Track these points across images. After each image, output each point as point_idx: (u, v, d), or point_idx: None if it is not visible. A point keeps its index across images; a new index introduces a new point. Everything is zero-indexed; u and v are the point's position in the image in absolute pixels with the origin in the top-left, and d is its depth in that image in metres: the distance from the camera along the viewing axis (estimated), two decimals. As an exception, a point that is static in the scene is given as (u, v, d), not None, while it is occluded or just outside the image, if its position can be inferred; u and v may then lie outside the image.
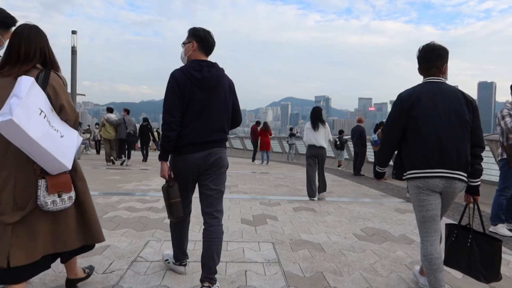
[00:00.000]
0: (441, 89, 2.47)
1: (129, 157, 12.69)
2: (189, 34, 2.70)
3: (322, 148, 6.92)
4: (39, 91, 2.05)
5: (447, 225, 2.74)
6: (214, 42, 2.69)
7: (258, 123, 16.67)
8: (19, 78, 2.01)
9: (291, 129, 19.05)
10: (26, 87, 1.96)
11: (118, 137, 12.50)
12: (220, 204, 2.72)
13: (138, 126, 14.04)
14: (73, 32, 14.06)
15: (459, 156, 2.38)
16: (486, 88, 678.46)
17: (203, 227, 2.67)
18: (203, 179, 2.65)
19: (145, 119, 16.24)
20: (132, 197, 6.23)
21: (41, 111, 2.01)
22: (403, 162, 2.55)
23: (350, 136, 16.14)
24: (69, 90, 2.41)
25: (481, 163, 2.52)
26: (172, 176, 2.60)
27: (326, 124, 7.18)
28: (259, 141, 15.67)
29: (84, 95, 18.77)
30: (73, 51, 14.05)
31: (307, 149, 7.14)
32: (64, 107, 2.19)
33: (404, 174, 2.55)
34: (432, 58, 2.52)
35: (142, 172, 10.48)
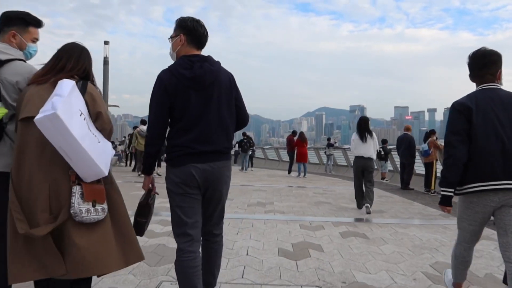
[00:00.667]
0: (499, 95, 2.35)
1: (159, 165, 12.57)
2: (175, 26, 2.36)
3: (370, 159, 6.79)
4: (79, 94, 2.01)
5: None
6: (206, 32, 2.37)
7: (294, 133, 15.84)
8: (60, 81, 1.98)
9: (328, 139, 18.02)
10: (68, 87, 1.93)
11: None
12: (222, 219, 2.52)
13: None
14: (106, 43, 13.84)
15: None
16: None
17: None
18: (205, 196, 2.34)
19: None
20: (154, 217, 5.50)
21: (81, 112, 1.96)
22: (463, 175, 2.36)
23: (395, 146, 14.96)
24: None
25: None
26: (153, 190, 2.40)
27: (374, 134, 6.96)
28: (295, 152, 14.77)
29: (118, 106, 18.60)
30: (105, 61, 13.81)
31: (355, 160, 7.04)
32: (101, 115, 2.09)
33: (459, 188, 2.40)
34: (486, 64, 2.42)
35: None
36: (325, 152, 17.92)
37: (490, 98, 2.34)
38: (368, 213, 6.31)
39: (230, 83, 2.35)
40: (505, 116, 2.29)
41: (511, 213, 2.29)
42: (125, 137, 22.25)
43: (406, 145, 10.75)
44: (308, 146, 15.44)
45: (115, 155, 18.90)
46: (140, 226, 2.34)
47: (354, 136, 7.01)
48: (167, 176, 2.26)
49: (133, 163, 16.55)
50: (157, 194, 2.44)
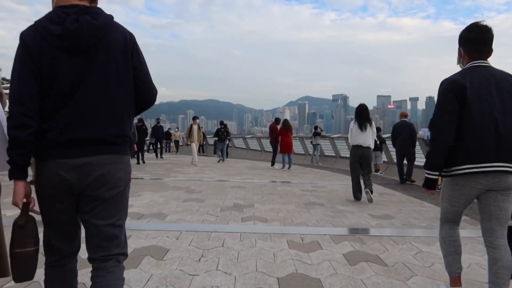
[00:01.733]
0: (491, 73, 2.26)
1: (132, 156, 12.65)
2: None
3: (368, 148, 6.59)
4: None
5: (509, 228, 2.37)
6: None
7: (277, 121, 14.32)
8: None
9: (315, 128, 16.64)
10: None
11: None
12: (117, 245, 1.72)
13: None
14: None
15: None
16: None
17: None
18: (81, 207, 1.68)
19: (140, 120, 14.61)
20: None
21: None
22: (452, 155, 2.25)
23: (389, 135, 13.70)
24: None
25: None
26: (32, 204, 1.66)
27: (373, 123, 6.72)
28: (279, 142, 13.33)
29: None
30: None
31: (352, 150, 6.79)
32: None
33: (446, 170, 2.30)
34: (490, 39, 2.29)
35: (134, 183, 8.29)
36: (311, 142, 16.54)
37: (484, 76, 2.23)
38: (370, 200, 6.21)
39: (126, 46, 1.71)
40: (499, 96, 2.20)
41: (498, 200, 2.25)
42: None
43: (407, 134, 9.44)
44: (293, 135, 14.02)
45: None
46: (21, 262, 1.64)
47: (352, 125, 6.72)
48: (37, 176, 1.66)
49: None
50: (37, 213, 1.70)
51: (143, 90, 1.78)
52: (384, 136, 12.80)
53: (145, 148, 18.56)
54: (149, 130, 25.13)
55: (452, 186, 2.32)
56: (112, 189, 1.68)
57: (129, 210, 5.31)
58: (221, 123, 16.95)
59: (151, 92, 1.83)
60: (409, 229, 4.63)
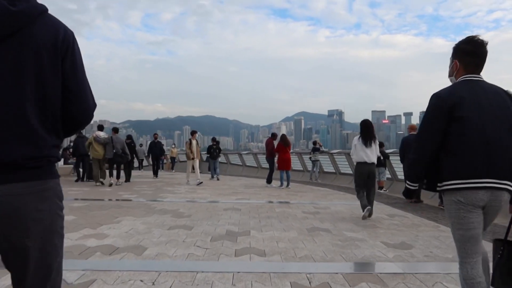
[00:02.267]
0: (483, 88, 2.20)
1: (118, 177, 12.39)
2: None
3: (373, 164, 6.54)
4: None
5: (494, 241, 2.38)
6: None
7: (274, 135, 13.51)
8: None
9: (314, 143, 15.94)
10: None
11: (106, 157, 12.03)
12: None
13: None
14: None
15: (508, 164, 2.12)
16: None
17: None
18: None
19: (128, 137, 14.04)
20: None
21: None
22: (442, 171, 2.17)
23: (392, 150, 13.03)
24: None
25: None
26: None
27: (377, 139, 6.70)
28: (275, 159, 12.58)
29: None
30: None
31: (357, 168, 6.64)
32: None
33: (440, 184, 2.21)
34: (485, 54, 2.25)
35: (116, 205, 7.49)
36: (310, 158, 15.83)
37: (476, 91, 2.17)
38: (365, 217, 6.28)
39: (56, 45, 1.34)
40: (491, 111, 2.12)
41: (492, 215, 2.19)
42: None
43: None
44: (291, 150, 13.29)
45: (69, 163, 16.31)
46: None
47: (356, 141, 6.60)
48: None
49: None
50: None
51: (71, 103, 1.41)
52: (387, 151, 12.10)
53: (136, 166, 17.74)
54: (143, 148, 24.33)
55: (454, 205, 2.16)
56: (35, 226, 1.30)
57: (102, 241, 4.52)
58: (213, 139, 16.28)
59: (81, 107, 1.44)
60: (434, 264, 3.88)
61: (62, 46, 1.37)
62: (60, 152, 12.98)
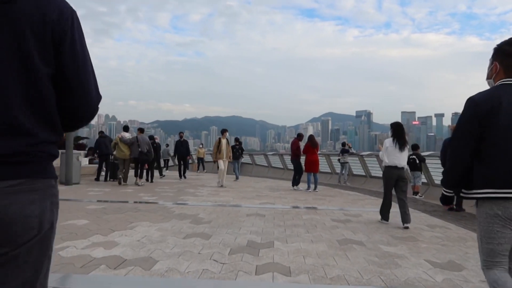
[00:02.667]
0: None
1: (141, 177, 12.24)
2: None
3: (403, 169, 6.33)
4: None
5: None
6: None
7: (300, 136, 12.70)
8: None
9: (343, 144, 15.23)
10: None
11: (132, 156, 12.10)
12: None
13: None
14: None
15: None
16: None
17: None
18: None
19: (151, 137, 13.79)
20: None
21: None
22: (474, 178, 2.08)
23: (429, 153, 12.20)
24: None
25: None
26: None
27: (408, 143, 6.46)
28: (303, 160, 11.97)
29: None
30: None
31: (387, 171, 6.36)
32: None
33: (467, 191, 2.13)
34: None
35: (134, 208, 7.12)
36: (339, 160, 15.11)
37: None
38: (407, 228, 5.88)
39: (45, 25, 1.14)
40: None
41: None
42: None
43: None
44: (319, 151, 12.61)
45: (94, 163, 16.26)
46: None
47: (389, 143, 6.33)
48: None
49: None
50: None
51: (69, 95, 1.22)
52: (424, 154, 11.28)
53: (162, 165, 17.47)
54: (169, 148, 24.04)
55: (487, 217, 2.05)
56: (26, 234, 1.12)
57: (110, 251, 4.05)
58: (236, 140, 15.83)
59: (82, 100, 1.24)
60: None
61: (55, 27, 1.16)
62: (86, 151, 12.92)
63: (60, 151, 12.12)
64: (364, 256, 4.16)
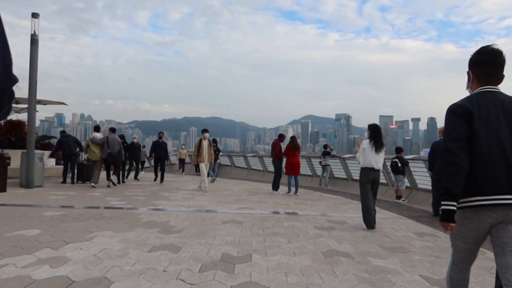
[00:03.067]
0: (501, 100, 2.11)
1: (108, 178, 11.69)
2: None
3: (379, 171, 6.36)
4: None
5: None
6: None
7: (281, 137, 12.08)
8: None
9: (325, 147, 14.85)
10: None
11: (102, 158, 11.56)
12: None
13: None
14: (34, 16, 10.43)
15: None
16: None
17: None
18: None
19: (121, 136, 13.06)
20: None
21: None
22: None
23: (413, 156, 11.92)
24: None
25: None
26: None
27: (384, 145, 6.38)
28: (283, 162, 11.48)
29: (64, 103, 15.04)
30: (33, 41, 10.41)
31: (363, 173, 6.34)
32: None
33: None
34: (501, 63, 2.14)
35: (97, 215, 6.45)
36: (320, 162, 14.72)
37: (492, 102, 2.10)
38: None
39: None
40: (508, 123, 2.05)
41: (510, 230, 2.02)
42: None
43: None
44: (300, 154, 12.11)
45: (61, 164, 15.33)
46: None
47: (366, 145, 6.26)
48: None
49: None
50: None
51: None
52: (407, 157, 10.98)
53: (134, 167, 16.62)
54: (145, 150, 23.07)
55: (460, 220, 2.11)
56: None
57: (57, 270, 3.19)
58: (213, 140, 15.21)
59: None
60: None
61: None
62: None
63: (20, 151, 11.20)
64: (353, 272, 3.68)
